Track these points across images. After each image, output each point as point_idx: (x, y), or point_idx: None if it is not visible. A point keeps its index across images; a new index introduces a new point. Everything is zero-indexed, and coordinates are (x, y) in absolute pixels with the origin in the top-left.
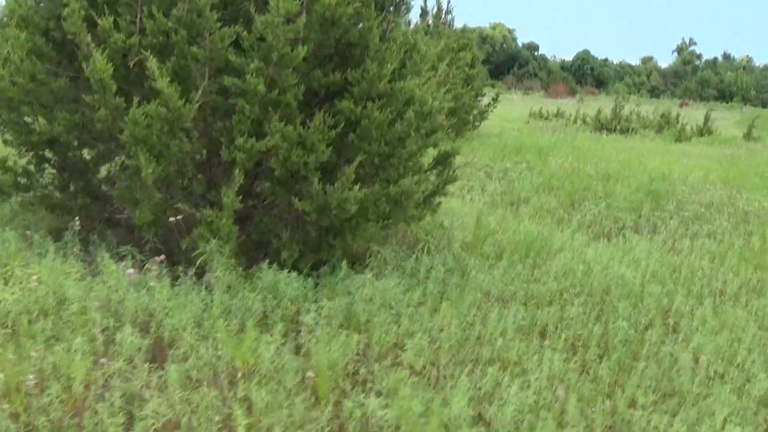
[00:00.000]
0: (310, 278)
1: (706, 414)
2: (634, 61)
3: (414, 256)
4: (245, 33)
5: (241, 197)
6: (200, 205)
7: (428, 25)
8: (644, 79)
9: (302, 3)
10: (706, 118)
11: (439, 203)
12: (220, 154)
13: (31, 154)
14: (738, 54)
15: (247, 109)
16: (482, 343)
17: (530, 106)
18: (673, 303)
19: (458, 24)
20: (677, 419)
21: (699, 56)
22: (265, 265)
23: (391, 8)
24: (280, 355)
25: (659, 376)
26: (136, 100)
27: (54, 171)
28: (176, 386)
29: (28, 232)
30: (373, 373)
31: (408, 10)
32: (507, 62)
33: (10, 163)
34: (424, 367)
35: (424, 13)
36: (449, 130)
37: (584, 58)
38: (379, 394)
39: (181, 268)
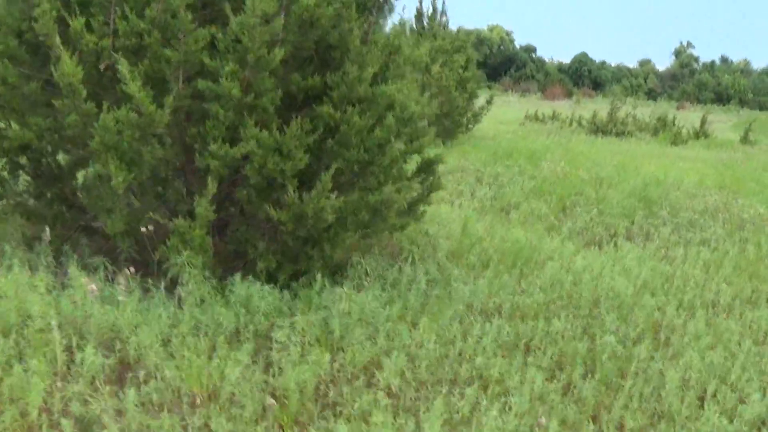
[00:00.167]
0: (286, 291)
1: None
2: (632, 64)
3: (397, 266)
4: (220, 35)
5: (219, 205)
6: (175, 215)
7: (423, 27)
8: (641, 82)
9: (280, 4)
10: (703, 121)
11: (423, 211)
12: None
13: (4, 160)
14: (736, 57)
15: (222, 114)
16: (463, 360)
17: (526, 109)
18: (664, 315)
19: (456, 26)
20: None
21: (697, 59)
22: (237, 277)
23: (373, 9)
24: (246, 377)
25: (647, 396)
26: (106, 105)
27: (28, 178)
28: (134, 412)
29: None
30: (343, 396)
31: (391, 11)
32: (504, 64)
33: None
34: (400, 388)
35: (419, 14)
36: (438, 135)
37: (582, 60)
38: (348, 419)
39: (151, 281)
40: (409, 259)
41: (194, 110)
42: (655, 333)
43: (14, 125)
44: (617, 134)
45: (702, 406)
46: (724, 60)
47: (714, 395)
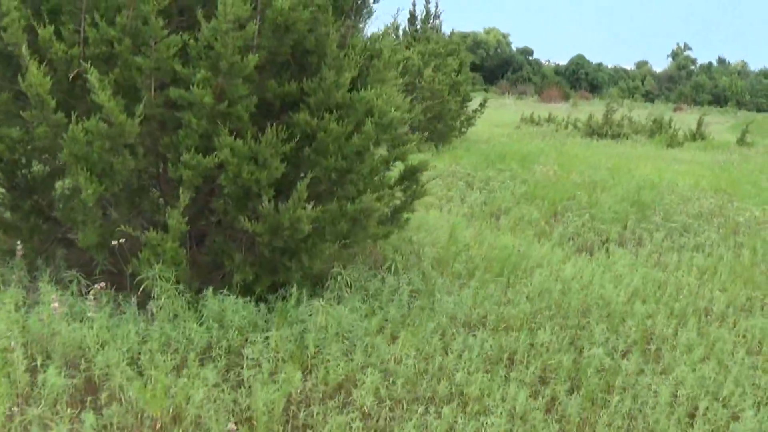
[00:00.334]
0: (263, 304)
1: None
2: (629, 66)
3: (380, 276)
4: (192, 41)
5: (196, 216)
6: (154, 226)
7: (416, 30)
8: (639, 84)
9: (254, 8)
10: (699, 123)
11: (407, 219)
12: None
13: None
14: (733, 59)
15: (195, 122)
16: (442, 375)
17: (523, 112)
18: (655, 325)
19: (452, 29)
20: None
21: (694, 61)
22: (209, 292)
23: (351, 13)
24: (213, 397)
25: (635, 413)
26: (74, 115)
27: (2, 190)
28: None
29: None
30: (314, 416)
31: (370, 14)
32: (501, 67)
33: None
34: (374, 408)
35: (412, 18)
36: (431, 139)
37: (578, 62)
38: None
39: (121, 296)
40: (392, 269)
41: (168, 119)
42: (646, 344)
43: None
44: (613, 137)
45: (692, 424)
46: (722, 61)
47: (705, 412)
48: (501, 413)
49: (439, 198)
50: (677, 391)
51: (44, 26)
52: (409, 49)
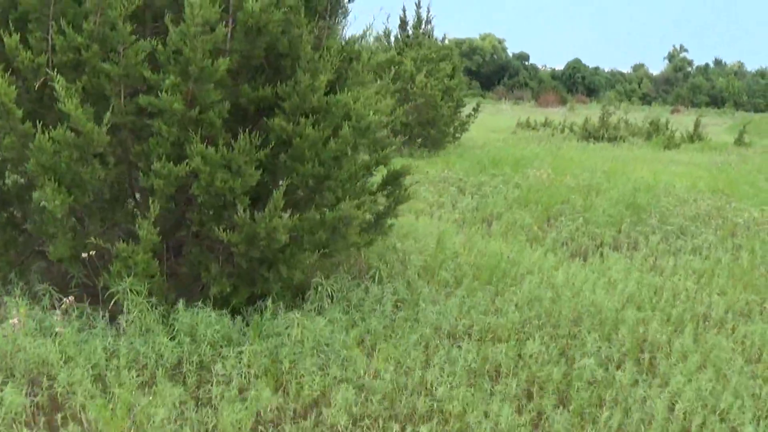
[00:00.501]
0: (240, 317)
1: None
2: (626, 69)
3: (363, 285)
4: (160, 46)
5: (173, 226)
6: (129, 237)
7: (408, 36)
8: (635, 87)
9: (225, 10)
10: (697, 124)
11: (391, 225)
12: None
13: None
14: (729, 60)
15: (165, 129)
16: (422, 390)
17: (519, 116)
18: (649, 333)
19: (447, 36)
20: None
21: (690, 63)
22: (181, 305)
23: (325, 14)
24: (176, 417)
25: (626, 428)
26: (41, 125)
27: None
28: None
29: None
30: None
31: (345, 14)
32: (497, 72)
33: None
34: (348, 427)
35: (402, 23)
36: (424, 145)
37: (575, 66)
38: None
39: (91, 310)
40: (377, 278)
41: (139, 127)
42: (640, 353)
43: None
44: (609, 140)
45: None
46: (718, 63)
47: (701, 427)
48: (484, 430)
49: (430, 204)
50: (673, 404)
51: (10, 35)
52: (401, 54)
